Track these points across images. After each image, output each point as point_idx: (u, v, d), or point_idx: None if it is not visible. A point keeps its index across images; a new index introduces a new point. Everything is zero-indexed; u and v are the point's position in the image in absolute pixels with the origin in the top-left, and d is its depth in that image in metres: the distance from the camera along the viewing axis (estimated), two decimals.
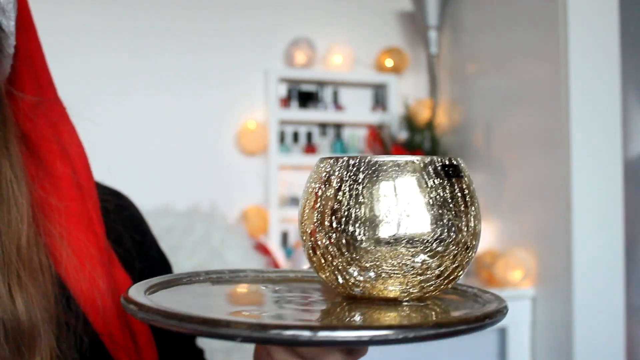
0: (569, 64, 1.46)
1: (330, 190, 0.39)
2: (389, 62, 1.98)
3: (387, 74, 2.00)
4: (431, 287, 0.39)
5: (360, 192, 0.37)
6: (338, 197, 0.38)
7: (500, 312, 0.37)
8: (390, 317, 0.37)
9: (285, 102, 1.91)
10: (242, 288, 0.47)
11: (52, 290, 0.50)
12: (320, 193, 0.39)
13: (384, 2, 2.05)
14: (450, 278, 0.39)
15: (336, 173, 0.39)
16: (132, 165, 1.72)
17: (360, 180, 0.38)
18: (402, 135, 1.94)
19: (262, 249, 1.64)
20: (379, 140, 1.95)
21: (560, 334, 1.49)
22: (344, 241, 0.38)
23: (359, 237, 0.37)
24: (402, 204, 0.37)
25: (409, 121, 1.92)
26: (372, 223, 0.37)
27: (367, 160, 0.38)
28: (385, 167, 0.37)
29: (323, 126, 1.97)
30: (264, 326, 0.32)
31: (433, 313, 0.38)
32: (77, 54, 1.73)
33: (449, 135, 1.96)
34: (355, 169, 0.38)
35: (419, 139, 1.90)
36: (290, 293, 0.46)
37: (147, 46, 1.81)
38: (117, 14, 1.78)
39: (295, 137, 1.94)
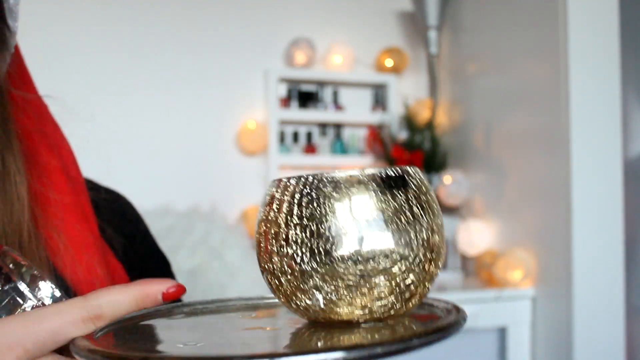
0: (569, 64, 1.46)
1: (271, 213, 0.38)
2: (389, 62, 1.98)
3: (387, 74, 2.00)
4: (387, 307, 0.37)
5: (300, 212, 0.36)
6: (278, 220, 0.37)
7: (457, 325, 0.36)
8: (343, 339, 0.36)
9: (285, 102, 1.91)
10: (212, 318, 0.45)
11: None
12: (262, 217, 0.39)
13: (384, 2, 2.05)
14: (407, 295, 0.37)
15: (277, 195, 0.38)
16: (132, 165, 1.73)
17: (297, 201, 0.37)
18: (402, 135, 1.94)
19: None
20: (379, 140, 1.95)
21: (560, 334, 1.49)
22: (286, 266, 0.37)
23: (305, 260, 0.36)
24: (343, 222, 0.36)
25: (409, 121, 1.92)
26: (316, 243, 0.36)
27: (305, 180, 0.37)
28: (325, 184, 0.36)
29: (323, 126, 1.97)
30: (208, 359, 0.31)
31: (390, 332, 0.37)
32: (77, 54, 1.73)
33: (449, 135, 1.96)
34: (293, 188, 0.37)
35: (419, 139, 1.90)
36: (261, 320, 0.45)
37: (148, 46, 1.81)
38: (118, 14, 1.78)
39: (295, 137, 1.94)
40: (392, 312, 0.38)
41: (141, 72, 1.80)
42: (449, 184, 1.83)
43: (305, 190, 0.37)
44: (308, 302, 0.37)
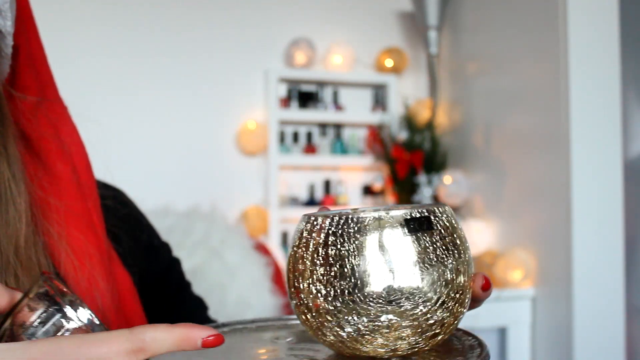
0: (569, 64, 1.46)
1: (299, 250, 0.39)
2: (389, 62, 1.98)
3: (387, 74, 2.00)
4: (411, 345, 0.38)
5: (323, 253, 0.37)
6: (304, 258, 0.38)
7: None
8: None
9: (285, 102, 1.91)
10: (248, 341, 0.47)
11: None
12: (291, 253, 0.40)
13: (384, 2, 2.05)
14: (430, 334, 0.38)
15: (304, 233, 0.39)
16: (132, 165, 1.73)
17: (324, 241, 0.37)
18: (402, 135, 1.94)
19: (262, 249, 1.64)
20: (379, 140, 1.95)
21: (560, 334, 1.49)
22: (311, 303, 0.38)
23: (322, 299, 0.37)
24: (367, 263, 0.36)
25: (409, 121, 1.92)
26: (346, 283, 0.37)
27: (331, 219, 0.38)
28: (348, 226, 0.37)
29: (323, 126, 1.97)
30: None
31: None
32: (78, 54, 1.73)
33: (449, 135, 1.96)
34: (319, 227, 0.38)
35: (419, 139, 1.90)
36: (294, 346, 0.46)
37: (148, 47, 1.81)
38: (119, 16, 1.78)
39: (295, 137, 1.94)
40: (415, 349, 0.38)
41: (141, 73, 1.80)
42: (449, 184, 1.83)
43: (331, 229, 0.37)
44: (332, 338, 0.38)
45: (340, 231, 0.37)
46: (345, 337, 0.38)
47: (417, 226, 0.37)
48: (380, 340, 0.37)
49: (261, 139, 1.85)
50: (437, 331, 0.38)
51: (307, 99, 1.94)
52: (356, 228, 0.37)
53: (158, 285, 0.64)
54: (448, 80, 2.00)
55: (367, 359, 0.39)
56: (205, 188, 1.82)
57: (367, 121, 1.98)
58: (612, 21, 1.49)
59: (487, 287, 0.41)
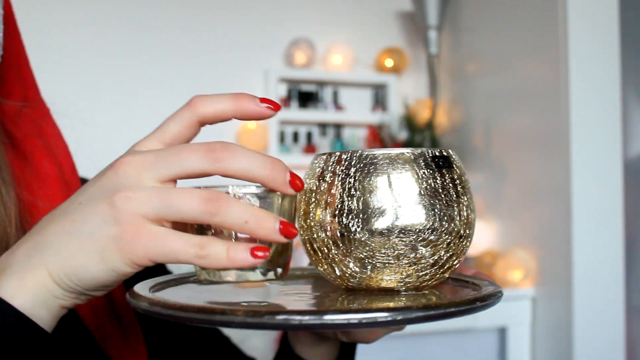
0: (569, 64, 1.46)
1: (324, 184, 0.40)
2: (389, 62, 1.98)
3: (387, 74, 2.00)
4: (427, 277, 0.40)
5: (352, 185, 0.38)
6: (332, 191, 0.39)
7: (493, 296, 0.38)
8: (384, 304, 0.37)
9: (285, 102, 1.91)
10: (245, 285, 0.47)
11: None
12: (314, 188, 0.40)
13: (384, 2, 2.05)
14: (446, 267, 0.40)
15: (329, 168, 0.40)
16: None
17: (352, 174, 0.38)
18: (402, 135, 1.94)
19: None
20: (379, 140, 1.95)
21: (560, 334, 1.49)
22: (338, 234, 0.38)
23: (353, 229, 0.38)
24: (394, 196, 0.38)
25: (409, 121, 1.92)
26: (365, 215, 0.38)
27: (358, 154, 0.39)
28: (376, 160, 0.38)
29: (323, 126, 1.97)
30: (258, 312, 0.32)
31: (427, 299, 0.39)
32: (78, 54, 1.73)
33: (449, 135, 1.96)
34: (347, 163, 0.39)
35: (419, 139, 1.90)
36: (292, 287, 0.47)
37: (148, 47, 1.81)
38: (117, 15, 1.78)
39: (295, 137, 1.94)
40: (430, 281, 0.40)
41: (141, 73, 1.80)
42: None
43: (359, 164, 0.39)
44: (356, 269, 0.39)
45: (369, 166, 0.38)
46: (369, 268, 0.39)
47: (442, 163, 0.39)
48: (402, 271, 0.39)
49: (261, 139, 1.85)
50: (450, 265, 0.40)
51: (307, 99, 1.94)
52: (384, 163, 0.38)
53: (146, 276, 0.65)
54: (448, 80, 2.00)
55: (380, 292, 0.40)
56: None
57: (367, 121, 1.98)
58: (612, 21, 1.49)
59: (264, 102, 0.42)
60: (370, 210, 0.38)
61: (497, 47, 1.77)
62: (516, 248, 1.64)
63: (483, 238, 1.78)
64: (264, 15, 1.92)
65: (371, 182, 0.38)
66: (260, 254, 0.35)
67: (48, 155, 0.54)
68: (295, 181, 0.37)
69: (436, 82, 1.95)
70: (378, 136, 1.96)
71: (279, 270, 0.41)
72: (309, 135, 1.94)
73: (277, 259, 0.41)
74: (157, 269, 0.66)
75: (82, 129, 0.60)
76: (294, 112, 1.91)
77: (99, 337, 0.53)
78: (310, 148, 1.93)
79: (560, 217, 1.49)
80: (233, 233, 0.39)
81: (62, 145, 0.56)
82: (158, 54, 1.81)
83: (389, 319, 0.32)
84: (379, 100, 2.02)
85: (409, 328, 1.51)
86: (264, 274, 0.40)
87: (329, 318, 0.32)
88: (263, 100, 0.38)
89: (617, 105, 1.48)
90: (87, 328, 0.53)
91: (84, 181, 0.61)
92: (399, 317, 0.32)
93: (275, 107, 0.38)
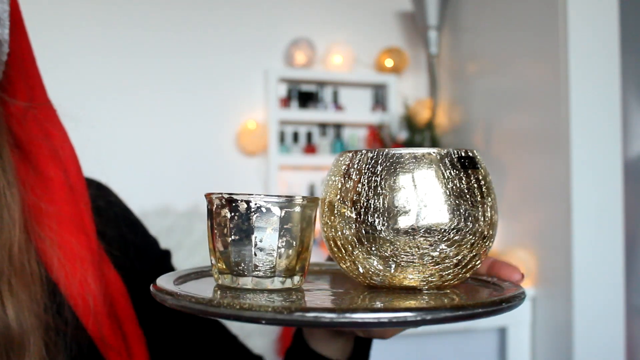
0: (569, 64, 1.46)
1: (349, 182, 0.40)
2: (389, 62, 1.98)
3: (387, 74, 1.99)
4: (450, 276, 0.40)
5: (378, 183, 0.38)
6: (357, 189, 0.39)
7: (517, 298, 0.38)
8: (409, 302, 0.37)
9: (285, 102, 1.91)
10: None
11: (42, 296, 0.50)
12: (340, 185, 0.40)
13: (384, 2, 2.05)
14: (468, 267, 0.40)
15: (355, 166, 0.40)
16: (132, 165, 1.73)
17: (378, 172, 0.38)
18: (402, 135, 1.94)
19: None
20: (379, 140, 1.95)
21: (560, 334, 1.49)
22: (363, 232, 0.38)
23: (378, 228, 0.38)
24: (420, 195, 0.38)
25: (409, 121, 1.92)
26: (390, 213, 0.38)
27: (384, 153, 0.39)
28: (402, 159, 0.38)
29: (323, 126, 1.97)
30: (288, 309, 0.33)
31: (451, 299, 0.39)
32: (77, 55, 1.73)
33: (449, 135, 1.96)
34: (373, 161, 0.39)
35: (419, 139, 1.90)
36: (314, 284, 0.47)
37: (147, 47, 1.81)
38: (117, 15, 1.78)
39: (295, 137, 1.94)
40: (452, 282, 0.40)
41: (141, 73, 1.80)
42: None
43: (386, 163, 0.39)
44: (380, 267, 0.39)
45: (395, 165, 0.38)
46: (393, 266, 0.39)
47: (467, 164, 0.39)
48: (425, 270, 0.39)
49: (261, 139, 1.85)
50: (472, 265, 0.40)
51: (307, 99, 1.94)
52: (410, 162, 0.38)
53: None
54: (448, 80, 2.00)
55: (402, 290, 0.40)
56: (205, 188, 1.80)
57: (367, 121, 1.98)
58: (612, 21, 1.49)
59: (520, 281, 0.43)
60: (395, 209, 0.38)
61: (497, 47, 1.77)
62: (516, 248, 1.64)
63: None
64: (264, 15, 1.92)
65: (397, 181, 0.38)
66: None
67: (53, 159, 0.54)
68: None
69: (436, 82, 1.95)
70: (378, 136, 1.96)
71: (297, 278, 0.42)
72: (309, 136, 1.94)
73: (294, 266, 0.41)
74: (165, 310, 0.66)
75: (87, 131, 0.60)
76: (294, 112, 1.90)
77: (101, 345, 0.53)
78: (310, 148, 1.93)
79: (560, 217, 1.49)
80: (253, 245, 0.39)
81: (68, 148, 0.56)
82: (157, 54, 1.81)
83: (418, 318, 0.32)
84: (379, 100, 2.02)
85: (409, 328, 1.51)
86: (283, 282, 0.41)
87: (359, 316, 0.32)
88: None
89: (617, 105, 1.48)
90: (89, 336, 0.53)
91: (89, 182, 0.61)
92: (428, 317, 0.32)
93: None
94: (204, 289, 0.41)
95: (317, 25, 1.97)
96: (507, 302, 0.37)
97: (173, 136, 1.82)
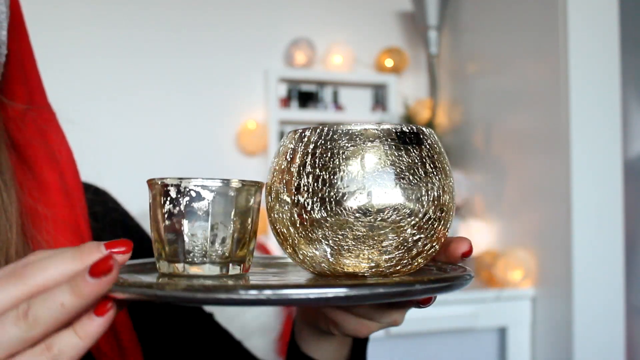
0: (569, 64, 1.46)
1: (284, 162, 0.37)
2: (389, 62, 1.98)
3: (387, 74, 1.99)
4: (394, 262, 0.37)
5: (311, 163, 0.36)
6: (291, 170, 0.37)
7: (461, 278, 0.36)
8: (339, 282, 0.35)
9: (285, 102, 1.91)
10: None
11: None
12: (278, 167, 0.38)
13: (384, 2, 2.05)
14: (414, 251, 0.37)
15: (291, 146, 0.37)
16: (132, 165, 1.73)
17: (311, 152, 0.36)
18: None
19: (262, 249, 1.64)
20: None
21: (560, 334, 1.49)
22: (296, 215, 0.36)
23: (310, 210, 0.36)
24: (353, 173, 0.35)
25: (409, 121, 1.92)
26: (323, 195, 0.35)
27: (320, 131, 0.36)
28: (338, 137, 0.36)
29: None
30: (189, 288, 0.31)
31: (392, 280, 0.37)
32: (78, 55, 1.73)
33: (449, 135, 1.96)
34: (307, 140, 0.37)
35: None
36: (266, 271, 0.46)
37: (148, 47, 1.81)
38: (117, 16, 1.78)
39: None
40: (398, 267, 0.37)
41: (141, 73, 1.80)
42: None
43: (320, 141, 0.36)
44: (315, 252, 0.37)
45: (329, 142, 0.36)
46: (328, 251, 0.36)
47: (407, 140, 0.36)
48: (364, 254, 0.36)
49: (261, 139, 1.85)
50: (420, 250, 0.37)
51: (307, 99, 1.94)
52: (345, 139, 0.36)
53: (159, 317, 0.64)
54: (448, 80, 1.99)
55: (347, 277, 0.38)
56: None
57: (367, 121, 1.98)
58: (612, 21, 1.49)
59: (468, 254, 0.40)
60: (327, 190, 0.35)
61: (497, 47, 1.77)
62: (516, 248, 1.64)
63: (483, 238, 1.78)
64: (264, 15, 1.92)
65: (331, 160, 0.35)
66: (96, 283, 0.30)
67: (50, 162, 0.54)
68: (104, 264, 0.31)
69: (436, 82, 1.95)
70: None
71: (235, 266, 0.40)
72: None
73: (233, 253, 0.40)
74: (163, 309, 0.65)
75: (88, 132, 0.59)
76: (294, 112, 1.91)
77: (96, 353, 0.52)
78: None
79: (560, 217, 1.49)
80: (185, 230, 0.38)
81: (65, 152, 0.56)
82: (157, 55, 1.81)
83: (340, 295, 0.31)
84: (379, 100, 2.02)
85: (409, 328, 1.51)
86: (221, 269, 0.39)
87: (286, 292, 0.30)
88: (109, 245, 0.33)
89: (617, 105, 1.48)
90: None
91: (87, 187, 0.61)
92: (352, 294, 0.31)
93: (127, 249, 0.33)
94: (147, 278, 0.39)
95: (317, 25, 1.97)
96: (448, 281, 0.34)
97: (173, 136, 1.82)
